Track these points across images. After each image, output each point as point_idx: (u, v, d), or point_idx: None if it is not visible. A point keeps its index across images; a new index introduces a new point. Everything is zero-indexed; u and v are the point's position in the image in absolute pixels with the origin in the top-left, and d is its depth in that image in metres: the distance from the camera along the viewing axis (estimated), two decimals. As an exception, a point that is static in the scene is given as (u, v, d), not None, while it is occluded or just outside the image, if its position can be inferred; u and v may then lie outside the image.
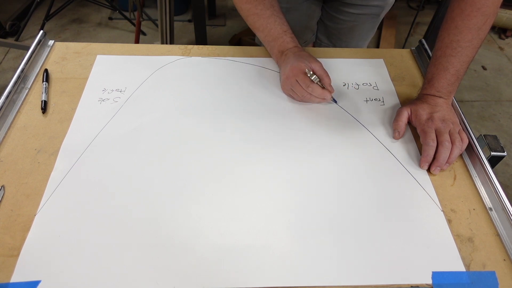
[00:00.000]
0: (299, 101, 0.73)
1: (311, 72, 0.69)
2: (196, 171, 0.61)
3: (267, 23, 0.75)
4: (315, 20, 1.04)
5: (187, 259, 0.50)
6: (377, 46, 2.22)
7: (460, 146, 0.63)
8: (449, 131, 0.64)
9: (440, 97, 0.67)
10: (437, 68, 0.68)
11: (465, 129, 0.67)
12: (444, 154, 0.61)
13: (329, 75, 0.70)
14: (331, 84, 0.71)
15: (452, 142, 0.62)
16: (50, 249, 0.50)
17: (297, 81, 0.70)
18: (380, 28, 2.27)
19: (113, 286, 0.48)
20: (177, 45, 0.86)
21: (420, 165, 0.63)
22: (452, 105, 0.70)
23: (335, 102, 0.74)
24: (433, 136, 0.63)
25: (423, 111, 0.66)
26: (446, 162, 0.61)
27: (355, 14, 0.96)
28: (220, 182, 0.59)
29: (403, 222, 0.56)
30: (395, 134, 0.67)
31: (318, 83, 0.69)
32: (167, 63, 0.80)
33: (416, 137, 0.68)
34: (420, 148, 0.65)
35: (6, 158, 0.61)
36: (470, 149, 0.65)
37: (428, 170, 0.62)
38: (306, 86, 0.69)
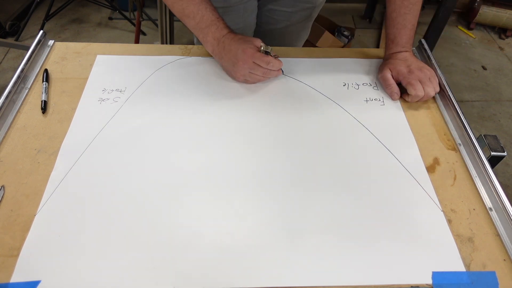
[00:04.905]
0: (253, 83, 0.76)
1: (262, 48, 0.71)
2: (196, 170, 0.61)
3: (199, 9, 0.73)
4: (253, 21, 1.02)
5: (187, 259, 0.50)
6: (377, 46, 2.22)
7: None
8: (429, 78, 0.73)
9: (406, 51, 0.77)
10: (397, 28, 0.76)
11: (464, 127, 0.68)
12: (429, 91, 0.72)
13: (329, 75, 0.71)
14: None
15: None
16: (50, 249, 0.50)
17: (254, 62, 0.71)
18: (380, 28, 2.28)
19: (113, 286, 0.48)
20: (177, 45, 0.86)
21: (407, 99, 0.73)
22: (452, 105, 0.72)
23: (282, 72, 0.78)
24: (420, 86, 0.72)
25: (401, 67, 0.74)
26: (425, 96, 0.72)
27: (288, 12, 0.97)
28: (220, 181, 0.59)
29: (403, 222, 0.56)
30: (394, 95, 0.74)
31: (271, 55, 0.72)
32: (167, 63, 0.80)
33: (416, 136, 0.68)
34: (420, 148, 0.66)
35: (6, 158, 0.61)
36: (470, 149, 0.65)
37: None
38: (266, 64, 0.71)
